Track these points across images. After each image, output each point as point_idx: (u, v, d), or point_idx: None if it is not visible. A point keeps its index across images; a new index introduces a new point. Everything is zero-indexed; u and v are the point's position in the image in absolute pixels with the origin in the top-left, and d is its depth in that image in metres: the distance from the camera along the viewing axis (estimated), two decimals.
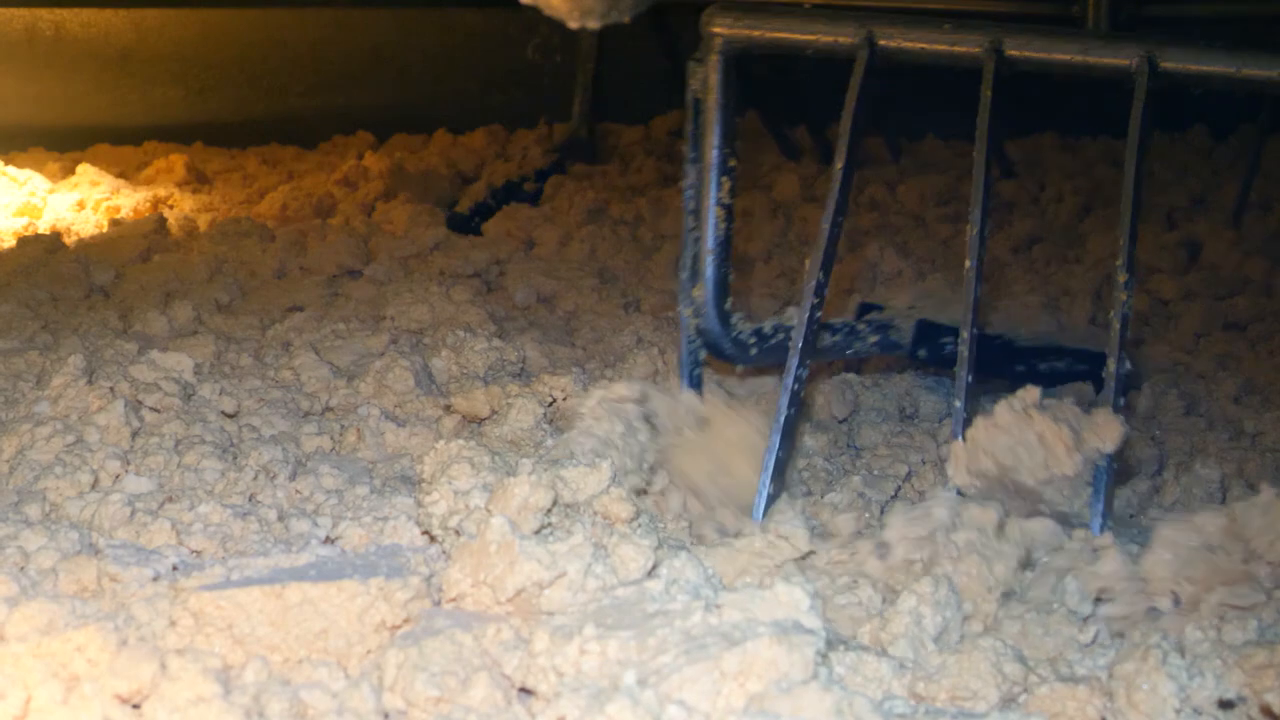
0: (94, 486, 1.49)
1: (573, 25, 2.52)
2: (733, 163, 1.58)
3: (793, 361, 1.45)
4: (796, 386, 1.44)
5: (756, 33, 1.56)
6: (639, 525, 1.29)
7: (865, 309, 1.87)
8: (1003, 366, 1.82)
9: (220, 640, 1.14)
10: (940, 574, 1.22)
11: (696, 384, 1.58)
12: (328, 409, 1.80)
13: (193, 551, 1.35)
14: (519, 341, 1.96)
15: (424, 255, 2.55)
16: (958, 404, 1.42)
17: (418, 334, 2.07)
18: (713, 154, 1.57)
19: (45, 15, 3.92)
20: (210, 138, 3.94)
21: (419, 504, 1.37)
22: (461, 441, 1.41)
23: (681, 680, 1.00)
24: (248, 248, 2.59)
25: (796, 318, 1.47)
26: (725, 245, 1.60)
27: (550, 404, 1.68)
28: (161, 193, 3.32)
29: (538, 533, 1.28)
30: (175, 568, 1.28)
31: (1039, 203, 3.18)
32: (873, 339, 1.78)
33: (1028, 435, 1.35)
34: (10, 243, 2.70)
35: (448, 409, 1.74)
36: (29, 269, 2.41)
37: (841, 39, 1.53)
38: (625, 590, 1.13)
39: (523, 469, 1.33)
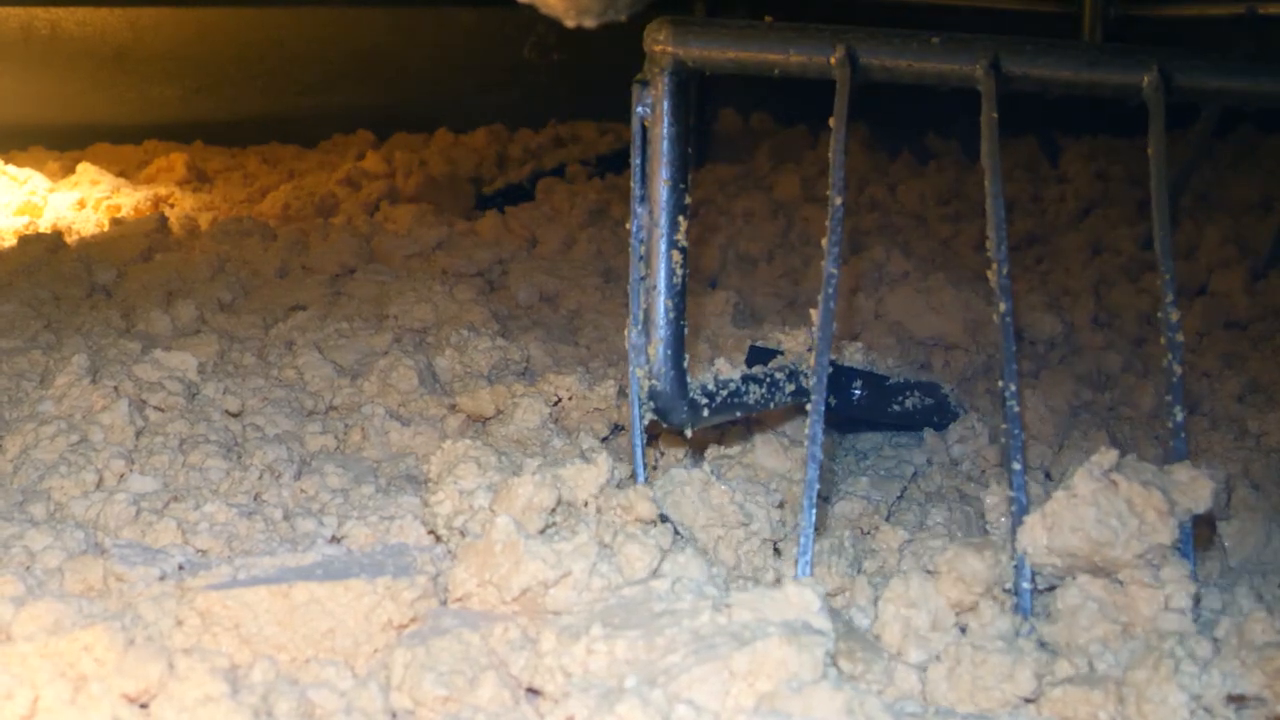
0: (99, 486, 1.49)
1: (569, 24, 2.50)
2: (688, 199, 1.38)
3: (816, 429, 1.25)
4: (821, 455, 1.25)
5: (713, 51, 1.37)
6: (651, 525, 1.29)
7: (759, 354, 1.61)
8: (879, 409, 1.68)
9: (227, 640, 1.14)
10: (906, 570, 1.21)
11: (644, 454, 1.40)
12: (331, 408, 1.80)
13: (198, 551, 1.34)
14: (522, 340, 1.96)
15: (426, 254, 2.55)
16: (1016, 467, 1.26)
17: (421, 333, 2.07)
18: (664, 191, 1.36)
19: (41, 14, 3.92)
20: (207, 136, 3.95)
21: (425, 503, 1.37)
22: (467, 441, 1.41)
23: (691, 680, 1.00)
24: (250, 247, 2.59)
25: (814, 378, 1.29)
26: (681, 295, 1.38)
27: (556, 403, 1.68)
28: (162, 191, 3.32)
29: (543, 532, 1.28)
30: (181, 567, 1.28)
31: (1039, 202, 3.19)
32: (790, 388, 1.53)
33: (1116, 504, 1.20)
34: (11, 242, 2.70)
35: (452, 408, 1.73)
36: (31, 268, 2.40)
37: (816, 58, 1.35)
38: (632, 590, 1.13)
39: (527, 468, 1.33)
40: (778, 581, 1.27)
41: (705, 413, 1.43)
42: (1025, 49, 1.36)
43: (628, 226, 1.39)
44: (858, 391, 1.62)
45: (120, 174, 3.46)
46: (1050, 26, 3.12)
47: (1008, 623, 1.21)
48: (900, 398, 1.68)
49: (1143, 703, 1.07)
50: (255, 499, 1.49)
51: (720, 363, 1.50)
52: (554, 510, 1.29)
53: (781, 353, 1.60)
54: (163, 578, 1.25)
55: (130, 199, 3.19)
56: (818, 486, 1.24)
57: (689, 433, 1.44)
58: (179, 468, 1.54)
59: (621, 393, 1.70)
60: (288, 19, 4.10)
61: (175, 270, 2.40)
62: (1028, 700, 1.11)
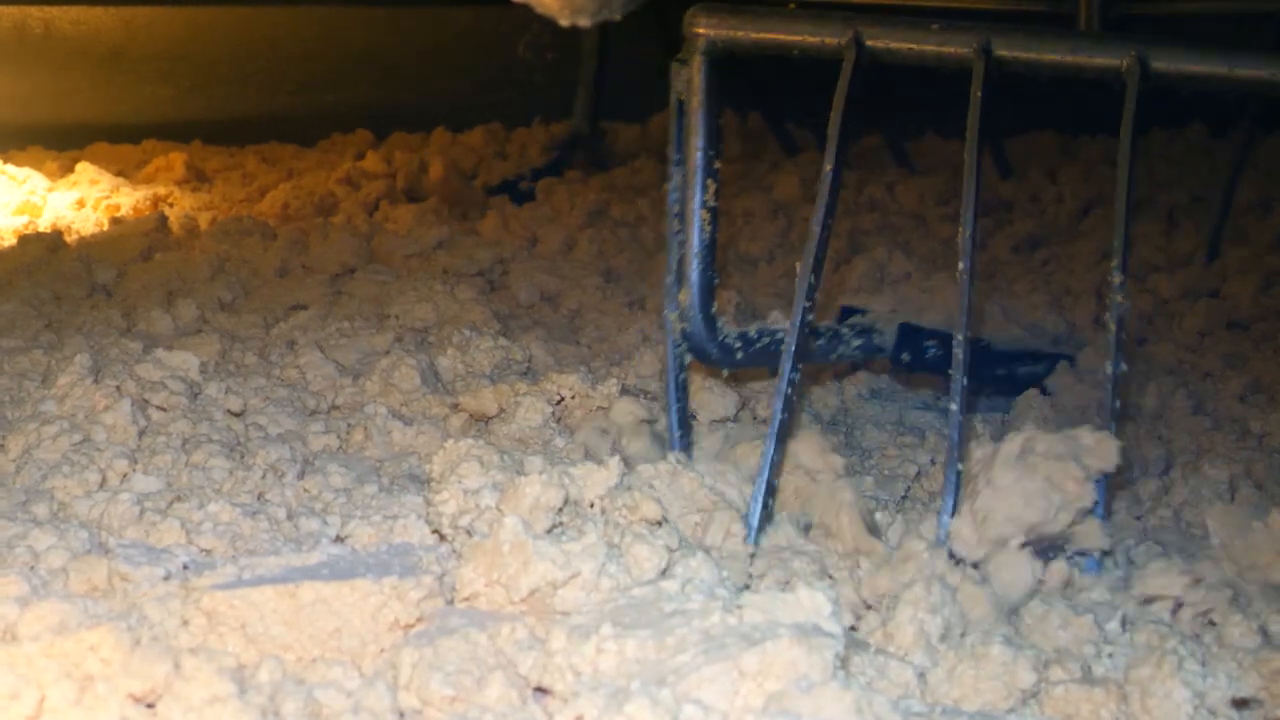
0: (102, 485, 1.48)
1: (564, 23, 2.51)
2: (717, 165, 1.55)
3: (785, 366, 1.40)
4: (790, 391, 1.40)
5: (741, 34, 1.54)
6: (658, 526, 1.29)
7: (847, 312, 1.80)
8: (981, 373, 1.74)
9: (234, 639, 1.14)
10: (930, 575, 1.21)
11: (682, 390, 1.55)
12: (334, 407, 1.79)
13: (202, 550, 1.34)
14: (524, 340, 1.96)
15: (427, 254, 2.55)
16: (953, 407, 1.35)
17: (422, 332, 2.07)
18: (697, 156, 1.54)
19: (34, 13, 3.92)
20: (204, 135, 3.94)
21: (429, 503, 1.37)
22: (471, 440, 1.41)
23: (700, 679, 0.99)
24: (250, 246, 2.58)
25: (790, 321, 1.43)
26: (710, 249, 1.56)
27: (558, 402, 1.68)
28: (161, 191, 3.32)
29: (549, 532, 1.28)
30: (186, 567, 1.28)
31: (1039, 202, 3.19)
32: (856, 343, 1.72)
33: (1037, 483, 1.29)
34: (11, 241, 2.69)
35: (454, 407, 1.73)
36: (31, 268, 2.40)
37: (828, 40, 1.51)
38: (641, 590, 1.12)
39: (533, 468, 1.33)
40: (788, 584, 1.27)
41: (739, 355, 1.61)
42: (1015, 35, 1.47)
43: (665, 189, 1.55)
44: (931, 350, 1.76)
45: (119, 173, 3.46)
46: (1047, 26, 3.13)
47: (1006, 621, 1.22)
48: (1014, 365, 1.81)
49: (1146, 699, 1.07)
50: (259, 498, 1.49)
51: (774, 314, 1.66)
52: (560, 510, 1.29)
53: (866, 311, 1.77)
54: (167, 577, 1.25)
55: (129, 198, 3.18)
56: (782, 417, 1.38)
57: (725, 373, 1.65)
58: (182, 467, 1.53)
59: (624, 391, 1.70)
60: (282, 18, 4.10)
61: (175, 270, 2.40)
62: (1029, 694, 1.11)
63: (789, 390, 1.40)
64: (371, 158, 3.61)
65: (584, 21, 2.47)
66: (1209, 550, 1.38)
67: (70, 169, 3.45)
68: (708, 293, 1.56)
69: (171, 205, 3.21)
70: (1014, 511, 1.28)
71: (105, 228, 2.93)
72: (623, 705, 0.97)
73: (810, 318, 1.46)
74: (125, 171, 3.53)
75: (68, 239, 2.71)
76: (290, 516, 1.42)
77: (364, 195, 3.19)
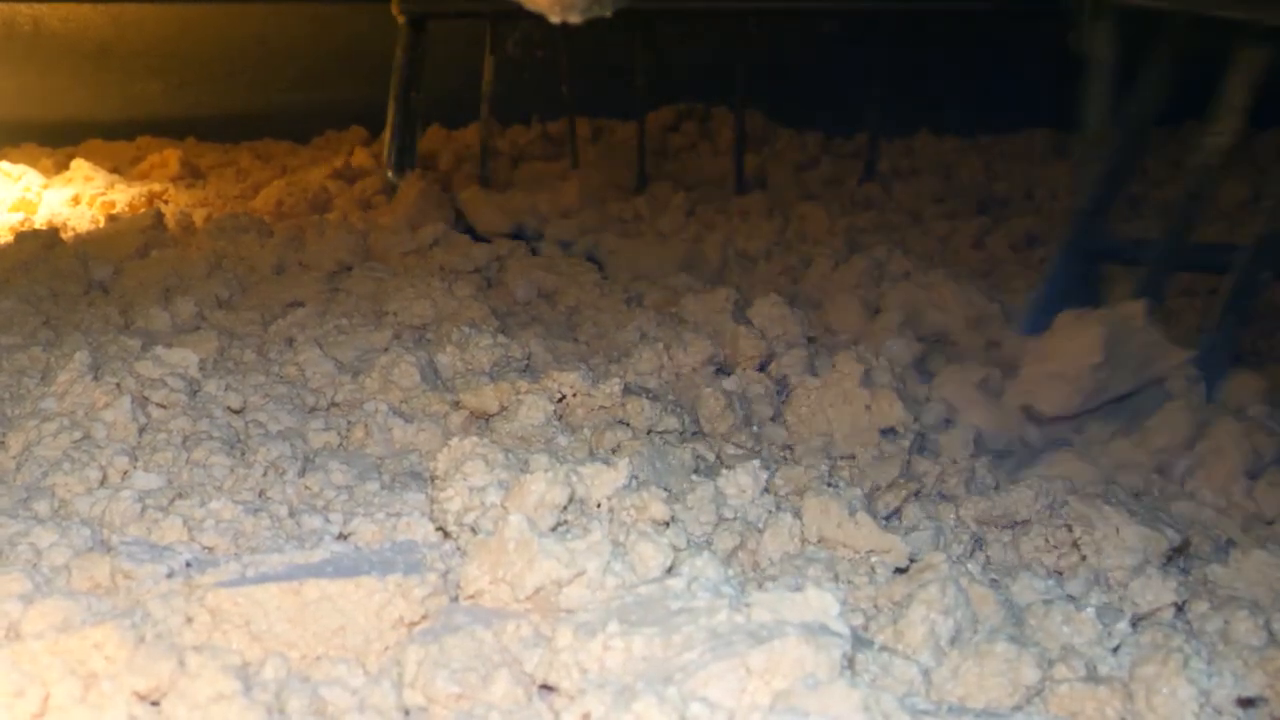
0: (103, 483, 1.48)
1: (554, 19, 2.51)
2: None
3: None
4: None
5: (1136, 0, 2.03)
6: (665, 525, 1.28)
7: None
8: None
9: (238, 637, 1.14)
10: (944, 576, 1.21)
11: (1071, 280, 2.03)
12: (333, 405, 1.79)
13: (205, 548, 1.34)
14: (522, 337, 1.96)
15: (424, 251, 2.55)
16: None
17: (421, 330, 2.07)
18: (1103, 100, 2.02)
19: (23, 10, 3.91)
20: (196, 132, 3.94)
21: (433, 500, 1.37)
22: (475, 438, 1.41)
23: (707, 677, 0.99)
24: (246, 243, 2.58)
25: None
26: (1112, 173, 2.07)
27: (560, 400, 1.68)
28: (156, 187, 3.31)
29: (554, 530, 1.28)
30: (188, 564, 1.27)
31: (1034, 199, 3.19)
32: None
33: (1049, 373, 1.60)
34: (7, 238, 2.69)
35: (455, 405, 1.73)
36: (28, 265, 2.40)
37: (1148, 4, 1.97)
38: (647, 588, 1.12)
39: (538, 465, 1.33)
40: (799, 586, 1.27)
41: (1124, 253, 2.13)
42: None
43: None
44: None
45: (114, 170, 3.46)
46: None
47: (1009, 621, 1.22)
48: None
49: (1151, 697, 1.07)
50: (260, 496, 1.49)
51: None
52: (565, 508, 1.29)
53: None
54: (170, 575, 1.24)
55: (124, 195, 3.18)
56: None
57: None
58: (183, 465, 1.53)
59: (625, 390, 1.70)
60: (270, 14, 4.10)
61: (172, 267, 2.40)
62: (1034, 692, 1.11)
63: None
64: (365, 154, 3.60)
65: (574, 18, 2.47)
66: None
67: (65, 165, 3.44)
68: (1104, 207, 2.08)
69: (167, 202, 3.20)
70: (1028, 400, 1.66)
71: (101, 224, 2.93)
72: (630, 703, 0.97)
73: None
74: (120, 168, 3.53)
75: (64, 236, 2.70)
76: (292, 514, 1.42)
77: (358, 192, 3.18)
